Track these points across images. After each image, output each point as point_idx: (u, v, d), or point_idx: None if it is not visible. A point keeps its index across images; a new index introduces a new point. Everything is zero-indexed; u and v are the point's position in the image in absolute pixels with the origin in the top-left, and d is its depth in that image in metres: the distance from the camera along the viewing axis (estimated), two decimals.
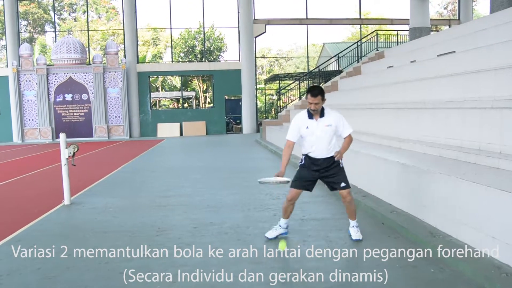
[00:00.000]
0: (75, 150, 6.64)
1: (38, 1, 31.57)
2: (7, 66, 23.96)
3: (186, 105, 33.16)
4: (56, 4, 31.82)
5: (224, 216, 5.66)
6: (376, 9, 39.80)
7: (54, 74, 23.03)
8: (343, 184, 4.46)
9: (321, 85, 19.82)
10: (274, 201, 6.49)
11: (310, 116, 4.40)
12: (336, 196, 6.72)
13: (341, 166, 4.52)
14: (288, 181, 4.32)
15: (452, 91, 6.87)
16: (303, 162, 4.53)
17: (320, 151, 4.41)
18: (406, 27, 19.64)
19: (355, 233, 4.57)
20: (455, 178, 4.22)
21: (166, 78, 35.14)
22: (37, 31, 34.14)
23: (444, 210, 4.39)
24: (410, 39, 16.21)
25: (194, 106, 33.64)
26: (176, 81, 34.71)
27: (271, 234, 4.66)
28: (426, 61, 9.26)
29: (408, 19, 17.02)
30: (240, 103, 25.19)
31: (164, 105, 36.49)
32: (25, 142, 22.70)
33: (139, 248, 4.46)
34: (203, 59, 28.51)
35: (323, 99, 4.31)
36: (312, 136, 4.38)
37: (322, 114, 4.39)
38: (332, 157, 4.44)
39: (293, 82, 24.04)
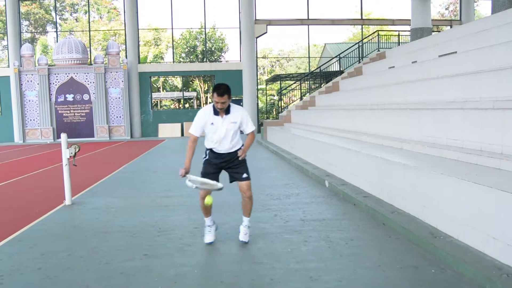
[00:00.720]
0: (76, 150, 6.65)
1: (40, 1, 31.61)
2: (8, 66, 23.99)
3: (187, 105, 33.19)
4: (58, 5, 31.88)
5: (225, 217, 5.66)
6: (377, 9, 39.80)
7: (55, 74, 23.06)
8: (244, 175, 4.45)
9: (322, 85, 19.85)
10: (275, 202, 6.49)
11: (216, 112, 4.37)
12: (337, 196, 6.73)
13: (244, 158, 4.52)
14: (219, 188, 4.26)
15: (453, 92, 6.87)
16: (207, 157, 4.54)
17: (224, 146, 4.44)
18: (408, 28, 19.64)
19: (244, 234, 4.56)
20: (456, 178, 4.22)
21: (167, 78, 35.18)
22: (38, 31, 34.18)
23: (445, 210, 4.39)
24: (412, 40, 16.19)
25: (195, 107, 33.67)
26: (177, 81, 34.75)
27: (208, 238, 4.57)
28: (427, 62, 9.25)
29: (410, 20, 17.00)
30: (241, 103, 25.19)
31: (165, 105, 36.53)
32: (26, 142, 22.74)
33: (140, 248, 4.47)
34: (205, 60, 28.53)
35: (229, 98, 4.28)
36: (216, 132, 4.38)
37: (228, 111, 4.37)
38: (235, 152, 4.47)
39: (294, 83, 24.03)
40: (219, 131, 4.37)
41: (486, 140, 5.14)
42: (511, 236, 3.44)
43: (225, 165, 4.51)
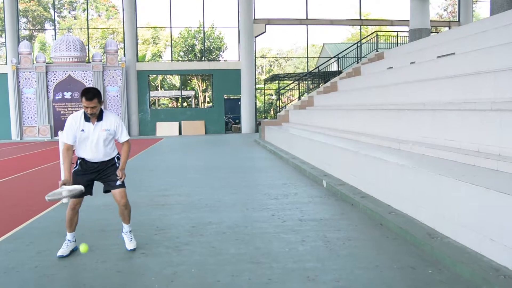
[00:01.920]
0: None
1: None
2: (6, 64, 23.93)
3: (185, 104, 33.15)
4: (56, 2, 31.79)
5: (222, 216, 5.65)
6: (376, 10, 39.83)
7: (53, 72, 23.01)
8: (118, 182, 4.20)
9: (320, 85, 19.85)
10: (273, 201, 6.49)
11: (87, 118, 4.09)
12: (335, 196, 6.73)
13: (117, 165, 4.28)
14: (82, 190, 3.97)
15: (451, 93, 6.88)
16: (77, 167, 4.23)
17: (96, 155, 4.17)
18: (406, 28, 19.67)
19: (129, 241, 4.38)
20: (453, 179, 4.22)
21: (165, 77, 35.15)
22: (36, 28, 34.09)
23: (442, 211, 4.39)
24: (410, 41, 16.21)
25: (193, 105, 33.65)
26: (176, 80, 34.72)
27: (63, 251, 4.22)
28: (425, 63, 9.26)
29: (408, 21, 17.03)
30: (239, 102, 25.19)
31: (163, 104, 36.48)
32: (24, 140, 22.68)
33: (137, 247, 4.46)
34: (203, 59, 28.50)
35: (100, 102, 4.02)
36: (87, 140, 4.12)
37: (100, 117, 4.12)
38: (109, 160, 4.24)
39: (293, 83, 24.04)
40: (91, 138, 4.11)
41: (484, 141, 5.15)
42: (508, 237, 3.44)
43: (96, 175, 4.23)
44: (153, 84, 33.82)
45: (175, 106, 34.44)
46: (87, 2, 29.40)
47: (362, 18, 26.78)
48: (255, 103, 25.82)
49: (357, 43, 20.91)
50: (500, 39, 7.36)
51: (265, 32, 24.62)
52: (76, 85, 23.15)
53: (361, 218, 5.44)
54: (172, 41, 28.02)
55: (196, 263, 4.00)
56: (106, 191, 4.33)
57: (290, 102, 24.35)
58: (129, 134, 23.55)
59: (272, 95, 35.71)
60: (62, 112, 23.28)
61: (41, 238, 4.88)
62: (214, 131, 24.69)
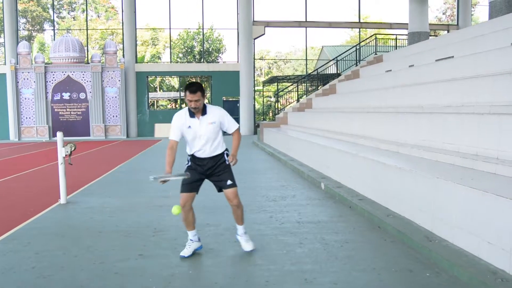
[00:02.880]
0: (72, 149, 6.62)
1: None
2: (5, 64, 23.90)
3: (184, 105, 33.13)
4: (55, 3, 31.78)
5: (220, 218, 5.64)
6: (375, 13, 39.91)
7: (52, 72, 22.99)
8: (229, 182, 4.16)
9: (318, 88, 19.88)
10: (271, 203, 6.49)
11: (192, 114, 4.09)
12: (333, 199, 6.73)
13: (227, 163, 4.21)
14: (186, 175, 3.98)
15: (450, 96, 6.89)
16: (189, 164, 4.25)
17: (205, 150, 4.14)
18: (405, 32, 19.71)
19: (245, 242, 4.26)
20: (452, 183, 4.23)
21: (164, 78, 35.14)
22: (35, 29, 34.07)
23: (440, 214, 4.40)
24: (409, 44, 16.26)
25: None
26: (174, 81, 34.70)
27: (186, 252, 4.20)
28: (424, 66, 9.28)
29: (407, 24, 17.08)
30: (238, 104, 25.19)
31: (162, 105, 36.47)
32: (22, 140, 22.65)
33: (134, 248, 4.45)
34: (202, 60, 28.52)
35: (203, 96, 4.01)
36: (195, 136, 4.09)
37: (204, 111, 4.09)
38: (218, 156, 4.19)
39: (291, 85, 24.05)
40: (198, 133, 4.09)
41: (482, 144, 5.16)
42: (506, 240, 3.45)
43: (209, 172, 4.20)
44: (152, 86, 33.82)
45: (173, 107, 34.43)
46: (86, 2, 29.41)
47: (361, 21, 26.84)
48: (254, 105, 25.83)
49: (356, 45, 20.96)
50: (498, 43, 7.38)
51: (264, 34, 24.66)
52: (75, 85, 23.15)
53: (359, 221, 5.45)
54: (171, 43, 28.04)
55: (193, 264, 3.99)
56: (220, 190, 4.27)
57: (289, 104, 24.35)
58: (127, 135, 23.69)
59: (270, 97, 35.73)
60: (60, 113, 23.26)
61: (39, 239, 4.86)
62: None
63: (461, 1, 24.83)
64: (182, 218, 4.23)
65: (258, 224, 5.34)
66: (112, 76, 23.50)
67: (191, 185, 4.16)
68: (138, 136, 24.39)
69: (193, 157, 4.23)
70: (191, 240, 4.26)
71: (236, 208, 4.23)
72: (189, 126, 4.09)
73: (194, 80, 33.60)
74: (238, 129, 4.28)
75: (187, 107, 4.14)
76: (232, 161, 4.10)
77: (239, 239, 4.34)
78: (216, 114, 4.15)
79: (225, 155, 4.25)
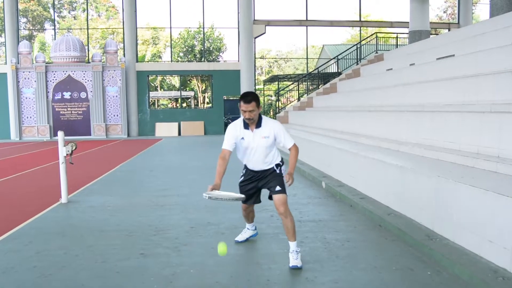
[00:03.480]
0: (73, 148, 6.63)
1: None
2: (6, 63, 23.91)
3: (184, 105, 33.15)
4: (56, 2, 31.79)
5: (221, 217, 5.65)
6: (376, 11, 39.86)
7: (53, 72, 22.99)
8: (278, 188, 3.93)
9: (319, 87, 19.85)
10: (271, 202, 6.47)
11: (246, 126, 3.93)
12: (334, 198, 6.73)
13: (277, 172, 4.04)
14: (241, 198, 3.77)
15: (451, 95, 6.88)
16: (243, 176, 4.22)
17: (256, 164, 4.03)
18: (406, 30, 19.68)
19: (294, 259, 3.84)
20: (453, 181, 4.23)
21: (165, 77, 35.15)
22: (36, 28, 34.09)
23: (441, 213, 4.39)
24: (410, 42, 16.23)
25: (193, 106, 33.66)
26: (175, 80, 34.72)
27: (240, 237, 4.54)
28: (425, 64, 9.27)
29: (408, 22, 17.04)
30: (239, 103, 25.16)
31: (162, 104, 36.48)
32: (23, 140, 22.66)
33: (136, 247, 4.46)
34: (202, 59, 28.51)
35: (258, 106, 3.83)
36: (247, 148, 3.96)
37: (259, 124, 3.92)
38: (271, 168, 4.06)
39: (292, 84, 24.04)
40: (251, 146, 3.93)
41: (483, 143, 5.16)
42: (507, 239, 3.44)
43: (259, 182, 4.11)
44: (153, 85, 33.82)
45: (174, 106, 34.43)
46: (87, 2, 29.40)
47: (362, 19, 26.81)
48: None
49: (356, 44, 20.92)
50: (499, 41, 7.37)
51: (264, 33, 24.63)
52: (76, 85, 23.15)
53: (360, 219, 5.45)
54: (172, 42, 28.03)
55: (195, 264, 4.00)
56: (270, 197, 4.10)
57: (290, 103, 24.33)
58: (128, 134, 23.70)
59: (271, 96, 35.72)
60: (61, 112, 23.27)
61: (40, 238, 4.87)
62: (214, 132, 24.67)
63: None
64: (243, 215, 4.46)
65: (259, 223, 5.34)
66: (113, 75, 23.49)
67: (248, 198, 4.16)
68: (139, 135, 24.40)
69: (246, 168, 4.19)
70: (247, 228, 4.58)
71: (284, 218, 3.93)
72: (243, 138, 3.94)
73: (192, 80, 33.64)
74: (295, 145, 4.02)
75: (242, 118, 3.97)
76: (288, 181, 3.84)
77: (289, 256, 3.90)
78: (271, 128, 3.94)
79: (275, 166, 4.07)
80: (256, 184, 4.14)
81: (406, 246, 4.37)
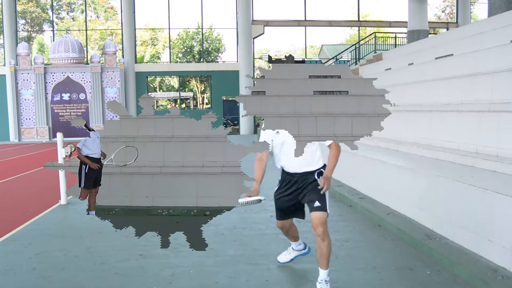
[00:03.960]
0: (72, 150, 6.60)
1: (37, 0, 31.51)
2: (4, 65, 23.89)
3: (183, 105, 33.13)
4: (54, 3, 31.75)
5: (220, 218, 5.61)
6: (374, 11, 39.86)
7: (51, 73, 22.97)
8: (317, 204, 3.36)
9: None
10: (271, 203, 6.46)
11: None
12: (334, 197, 6.73)
13: (318, 183, 3.37)
14: (260, 200, 3.46)
15: (449, 94, 6.88)
16: (281, 180, 3.73)
17: (294, 164, 3.50)
18: (404, 30, 19.71)
19: None
20: (452, 180, 4.23)
21: (164, 78, 35.12)
22: (35, 30, 34.06)
23: (440, 212, 4.40)
24: (408, 42, 16.23)
25: (192, 107, 33.63)
26: (174, 81, 34.70)
27: (282, 258, 3.93)
28: (424, 64, 9.27)
29: (406, 22, 17.07)
30: (237, 104, 25.17)
31: (161, 105, 36.46)
32: (22, 141, 22.63)
33: (135, 248, 4.45)
34: (201, 60, 28.50)
35: None
36: (284, 144, 3.49)
37: None
38: (309, 173, 3.49)
39: None
40: (288, 141, 3.45)
41: (482, 142, 5.16)
42: (506, 238, 3.45)
43: (297, 195, 3.53)
44: (152, 86, 33.81)
45: (173, 107, 34.40)
46: (85, 3, 29.38)
47: (361, 19, 26.82)
48: None
49: (355, 44, 20.94)
50: (498, 41, 7.37)
51: (263, 33, 24.65)
52: (75, 86, 23.13)
53: (359, 219, 5.45)
54: (171, 43, 28.03)
55: (194, 264, 4.00)
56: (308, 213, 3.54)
57: None
58: None
59: None
60: (60, 114, 23.24)
61: (40, 239, 4.86)
62: None
63: None
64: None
65: (258, 224, 5.34)
66: (111, 76, 23.48)
67: (283, 212, 3.69)
68: None
69: (283, 172, 3.67)
70: (292, 248, 3.92)
71: (320, 241, 3.35)
72: (278, 132, 3.49)
73: (191, 80, 33.62)
74: (336, 143, 3.53)
75: None
76: (324, 185, 3.30)
77: (317, 286, 3.39)
78: None
79: (317, 174, 3.51)
80: (295, 198, 3.56)
81: (405, 245, 4.37)
